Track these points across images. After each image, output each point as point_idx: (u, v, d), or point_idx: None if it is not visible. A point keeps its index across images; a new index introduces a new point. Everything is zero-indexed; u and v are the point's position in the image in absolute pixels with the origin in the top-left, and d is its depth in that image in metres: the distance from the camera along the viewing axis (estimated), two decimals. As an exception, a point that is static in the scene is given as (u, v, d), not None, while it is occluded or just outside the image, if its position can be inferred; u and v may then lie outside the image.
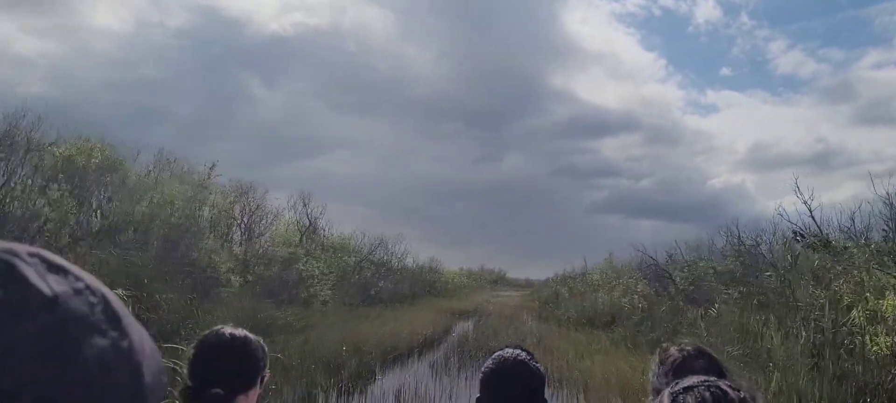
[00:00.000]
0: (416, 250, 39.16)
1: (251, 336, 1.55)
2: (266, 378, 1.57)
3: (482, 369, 1.53)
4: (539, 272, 57.56)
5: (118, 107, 37.77)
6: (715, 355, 1.50)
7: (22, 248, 0.38)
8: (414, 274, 33.65)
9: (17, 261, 0.36)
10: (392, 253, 34.15)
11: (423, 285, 34.06)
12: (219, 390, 1.41)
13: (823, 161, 49.44)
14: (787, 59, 51.57)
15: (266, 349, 1.58)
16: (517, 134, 61.82)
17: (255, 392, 1.52)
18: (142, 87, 44.16)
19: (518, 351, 1.53)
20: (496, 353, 1.55)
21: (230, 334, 1.52)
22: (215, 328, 1.55)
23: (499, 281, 72.41)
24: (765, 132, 54.38)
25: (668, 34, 59.45)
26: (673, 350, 1.52)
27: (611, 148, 61.78)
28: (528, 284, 68.40)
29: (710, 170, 54.36)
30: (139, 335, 0.41)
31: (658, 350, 1.58)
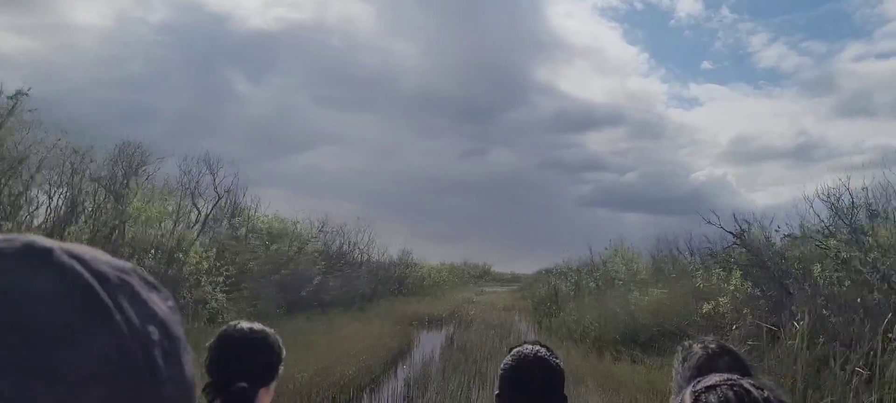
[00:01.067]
0: (389, 240, 33.45)
1: (268, 329, 1.56)
2: (280, 373, 1.57)
3: (501, 366, 1.53)
4: (525, 266, 55.54)
5: (103, 105, 36.17)
6: (740, 353, 1.45)
7: (125, 264, 0.38)
8: (377, 269, 27.03)
9: (129, 279, 0.37)
10: (353, 243, 27.71)
11: (389, 282, 27.49)
12: (243, 384, 1.42)
13: (805, 153, 50.94)
14: (769, 52, 57.42)
15: (281, 342, 1.58)
16: (504, 128, 68.14)
17: (273, 387, 1.53)
18: (126, 84, 43.02)
19: (538, 347, 1.54)
20: (515, 349, 1.55)
21: (249, 328, 1.53)
22: (232, 322, 1.56)
23: (483, 275, 66.69)
24: (748, 125, 58.23)
25: (650, 28, 60.29)
26: (697, 347, 1.47)
27: (596, 142, 63.03)
28: (514, 278, 63.11)
29: (694, 163, 58.90)
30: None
31: (680, 348, 1.52)
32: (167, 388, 0.34)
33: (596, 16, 61.58)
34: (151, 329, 0.35)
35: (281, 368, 1.56)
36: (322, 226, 22.76)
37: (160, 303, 0.38)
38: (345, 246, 24.39)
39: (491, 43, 65.30)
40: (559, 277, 24.20)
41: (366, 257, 27.64)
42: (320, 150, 58.40)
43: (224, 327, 1.54)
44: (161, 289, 0.39)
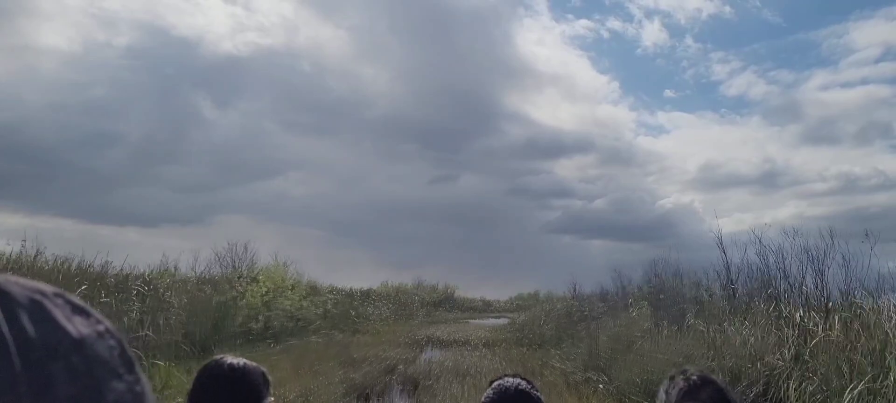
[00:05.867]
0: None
1: (250, 364, 1.55)
2: None
3: (483, 399, 1.55)
4: (492, 292, 50.57)
5: (65, 130, 34.75)
6: (723, 384, 1.46)
7: (48, 289, 0.39)
8: None
9: (46, 301, 0.38)
10: None
11: None
12: None
13: (770, 180, 47.82)
14: (739, 80, 52.48)
15: (268, 376, 1.57)
16: (473, 154, 61.60)
17: None
18: (91, 109, 38.89)
19: (519, 380, 1.56)
20: (496, 383, 1.57)
21: (229, 364, 1.52)
22: (214, 358, 1.55)
23: (444, 301, 45.88)
24: (715, 152, 55.66)
25: (618, 56, 60.27)
26: (679, 379, 1.48)
27: (565, 168, 62.48)
28: (486, 306, 47.54)
29: (661, 190, 55.03)
30: (145, 380, 0.42)
31: (665, 379, 1.54)
32: None
33: (565, 44, 60.13)
34: (54, 344, 0.35)
35: (269, 401, 1.54)
36: None
37: (83, 326, 0.38)
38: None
39: (462, 70, 59.97)
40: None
41: None
42: (287, 176, 56.18)
43: (207, 362, 1.52)
44: (91, 314, 0.40)
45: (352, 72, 58.32)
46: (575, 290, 20.56)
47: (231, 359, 1.50)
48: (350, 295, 32.81)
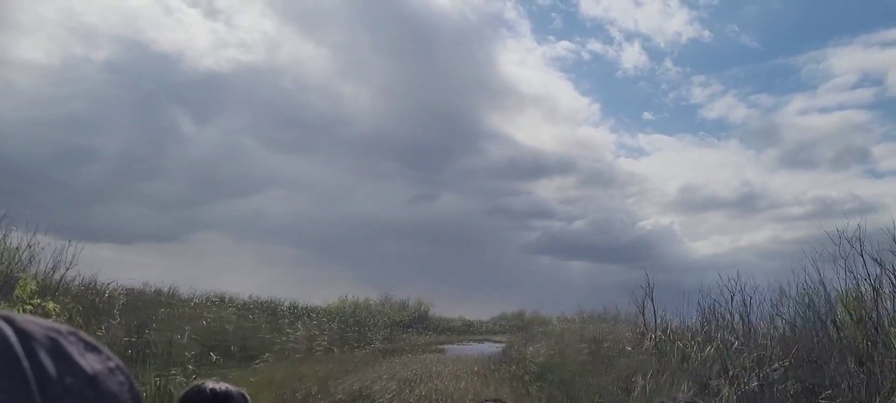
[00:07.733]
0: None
1: (232, 388, 1.58)
2: None
3: None
4: (472, 312, 43.04)
5: (42, 145, 33.06)
6: None
7: (63, 327, 0.41)
8: None
9: (61, 339, 0.39)
10: None
11: None
12: None
13: (748, 203, 43.97)
14: (719, 103, 46.76)
15: (249, 399, 1.60)
16: (454, 174, 52.32)
17: None
18: (68, 124, 35.56)
19: None
20: None
21: (211, 389, 1.55)
22: (196, 383, 1.58)
23: (416, 321, 36.01)
24: (694, 175, 49.49)
25: (598, 78, 52.53)
26: None
27: (546, 189, 51.69)
28: (466, 327, 39.07)
29: (641, 212, 47.13)
30: None
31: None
32: None
33: (546, 65, 54.78)
34: (70, 381, 0.37)
35: None
36: None
37: (95, 362, 0.40)
38: None
39: (444, 89, 53.15)
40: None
41: None
42: (266, 194, 48.58)
43: (188, 388, 1.53)
44: (102, 351, 0.42)
45: (333, 89, 53.98)
46: (643, 314, 11.16)
47: (212, 384, 1.54)
48: (273, 311, 22.98)
